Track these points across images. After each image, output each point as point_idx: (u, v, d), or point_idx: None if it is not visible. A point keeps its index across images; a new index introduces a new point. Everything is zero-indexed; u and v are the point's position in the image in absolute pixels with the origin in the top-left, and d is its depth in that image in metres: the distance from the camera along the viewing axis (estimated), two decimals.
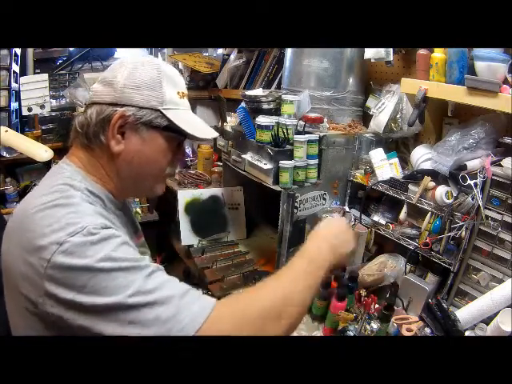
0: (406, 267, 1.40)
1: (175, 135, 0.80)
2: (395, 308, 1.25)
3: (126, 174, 0.79)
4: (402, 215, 1.40)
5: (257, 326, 0.63)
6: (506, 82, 1.12)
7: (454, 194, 1.24)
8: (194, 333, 0.58)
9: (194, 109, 2.89)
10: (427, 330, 1.23)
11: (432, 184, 1.30)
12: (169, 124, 0.77)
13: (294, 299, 0.68)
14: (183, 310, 0.59)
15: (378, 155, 1.49)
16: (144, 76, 0.76)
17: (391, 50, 1.50)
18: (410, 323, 1.24)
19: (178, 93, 0.81)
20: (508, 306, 1.09)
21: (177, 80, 0.81)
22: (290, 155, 1.46)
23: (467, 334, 1.17)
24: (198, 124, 0.85)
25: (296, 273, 0.74)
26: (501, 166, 1.15)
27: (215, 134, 0.89)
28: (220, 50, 2.88)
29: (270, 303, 0.66)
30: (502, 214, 1.15)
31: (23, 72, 2.56)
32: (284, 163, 1.43)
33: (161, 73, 0.77)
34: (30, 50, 2.61)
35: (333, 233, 0.86)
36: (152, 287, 0.59)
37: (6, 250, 0.67)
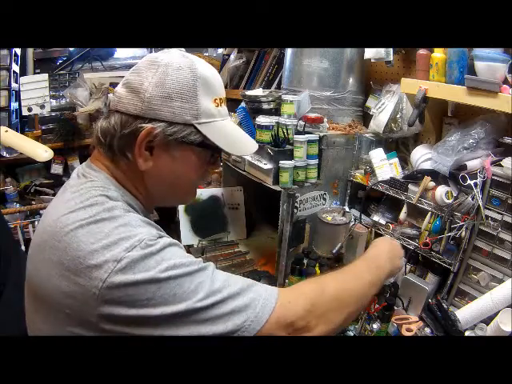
0: (406, 267, 1.39)
1: (210, 151, 0.73)
2: (395, 308, 1.25)
3: (156, 189, 0.74)
4: (402, 215, 1.40)
5: (323, 311, 0.66)
6: (506, 81, 1.12)
7: (454, 194, 1.24)
8: (268, 316, 0.60)
9: None
10: (427, 330, 1.23)
11: (432, 184, 1.30)
12: (203, 139, 0.69)
13: (357, 291, 0.74)
14: (254, 297, 0.61)
15: (378, 155, 1.49)
16: (177, 84, 0.66)
17: (391, 50, 1.50)
18: (410, 323, 1.24)
19: (215, 100, 0.72)
20: (508, 306, 1.09)
21: (214, 84, 0.72)
22: (290, 155, 1.46)
23: (467, 334, 1.17)
24: (236, 137, 0.77)
25: (359, 269, 0.81)
26: (501, 165, 1.15)
27: (254, 148, 0.80)
28: (220, 50, 2.88)
29: (335, 292, 0.70)
30: (502, 214, 1.15)
31: (23, 72, 2.55)
32: (284, 163, 1.43)
33: (197, 79, 0.68)
34: (30, 50, 2.61)
35: (390, 247, 0.94)
36: (220, 285, 0.60)
37: (35, 266, 0.63)
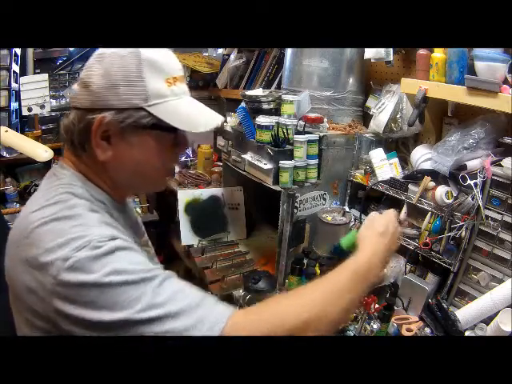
0: (405, 267, 1.40)
1: (166, 131, 0.71)
2: (395, 308, 1.25)
3: (121, 178, 0.74)
4: (402, 215, 1.40)
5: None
6: (506, 81, 1.12)
7: (454, 194, 1.24)
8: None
9: None
10: (427, 330, 1.23)
11: (432, 184, 1.30)
12: (156, 121, 0.69)
13: (325, 318, 0.64)
14: (201, 319, 0.57)
15: (378, 155, 1.49)
16: (121, 70, 0.67)
17: (391, 50, 1.50)
18: (410, 323, 1.24)
19: (168, 80, 0.70)
20: (508, 306, 1.09)
21: (165, 64, 0.71)
22: (290, 155, 1.46)
23: (467, 334, 1.17)
24: (192, 114, 0.74)
25: (335, 286, 0.69)
26: (501, 165, 1.15)
27: (213, 123, 0.75)
28: (220, 50, 2.88)
29: (298, 324, 0.61)
30: (502, 214, 1.15)
31: (23, 72, 2.55)
32: (284, 163, 1.43)
33: (142, 62, 0.67)
34: (30, 50, 2.61)
35: (383, 236, 0.84)
36: (163, 299, 0.57)
37: (9, 262, 0.65)
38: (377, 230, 0.85)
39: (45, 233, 0.60)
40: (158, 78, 0.69)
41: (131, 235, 0.76)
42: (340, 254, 0.94)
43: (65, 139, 0.72)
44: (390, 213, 0.92)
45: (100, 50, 0.70)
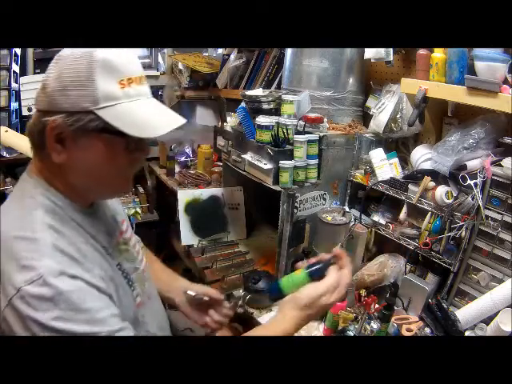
0: (405, 267, 1.39)
1: (117, 135, 0.68)
2: (395, 308, 1.25)
3: (78, 182, 0.72)
4: (402, 215, 1.40)
5: None
6: (506, 81, 1.12)
7: (454, 194, 1.24)
8: None
9: (193, 109, 2.90)
10: (427, 330, 1.23)
11: (432, 184, 1.30)
12: (105, 125, 0.66)
13: None
14: None
15: (378, 155, 1.49)
16: (72, 73, 0.65)
17: (391, 49, 1.50)
18: (410, 323, 1.24)
19: (121, 81, 0.68)
20: (508, 306, 1.09)
21: (119, 65, 0.67)
22: (290, 155, 1.46)
23: (467, 334, 1.17)
24: (145, 117, 0.70)
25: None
26: (501, 165, 1.15)
27: (166, 128, 0.70)
28: (220, 50, 2.88)
29: None
30: (502, 214, 1.15)
31: (23, 72, 2.55)
32: (284, 163, 1.43)
33: (94, 63, 0.65)
34: (30, 50, 2.61)
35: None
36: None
37: None
38: (301, 303, 0.79)
39: (3, 250, 0.63)
40: (109, 80, 0.67)
41: (102, 238, 0.77)
42: (277, 295, 0.85)
43: (30, 143, 0.73)
44: (337, 281, 0.82)
45: (61, 51, 0.69)
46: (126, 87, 0.68)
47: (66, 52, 0.68)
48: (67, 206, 0.72)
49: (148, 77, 0.76)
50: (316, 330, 1.32)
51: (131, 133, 0.67)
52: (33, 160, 0.75)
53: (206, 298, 1.03)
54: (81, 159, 0.70)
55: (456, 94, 1.22)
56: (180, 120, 0.73)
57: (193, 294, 1.03)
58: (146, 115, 0.71)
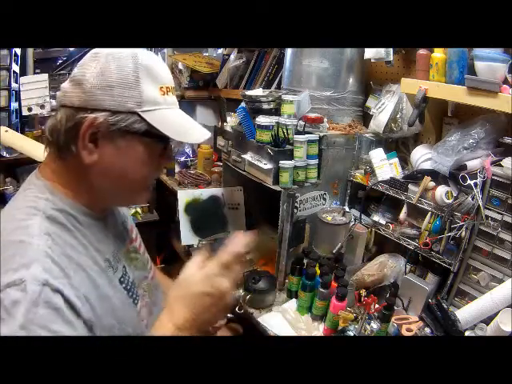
0: (406, 267, 1.40)
1: (157, 140, 0.69)
2: (395, 308, 1.25)
3: (103, 185, 0.70)
4: (402, 215, 1.40)
5: None
6: (506, 81, 1.12)
7: (454, 194, 1.24)
8: None
9: (193, 109, 2.90)
10: (427, 330, 1.23)
11: (432, 184, 1.30)
12: (149, 128, 0.67)
13: None
14: None
15: (378, 155, 1.49)
16: (118, 72, 0.65)
17: (391, 49, 1.50)
18: (410, 323, 1.24)
19: (161, 88, 0.69)
20: (508, 306, 1.09)
21: (159, 72, 0.69)
22: (290, 155, 1.46)
23: (467, 334, 1.17)
24: (184, 125, 0.73)
25: None
26: (501, 165, 1.15)
27: (204, 136, 0.74)
28: (220, 50, 2.88)
29: None
30: (502, 214, 1.15)
31: (23, 72, 2.56)
32: (284, 163, 1.43)
33: (138, 66, 0.66)
34: (30, 50, 2.61)
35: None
36: None
37: None
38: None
39: None
40: (153, 85, 0.68)
41: (106, 248, 0.73)
42: None
43: (48, 142, 0.70)
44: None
45: (96, 49, 0.68)
46: (166, 95, 0.70)
47: (103, 50, 0.67)
48: (76, 211, 0.69)
49: None
50: (316, 330, 1.32)
51: (178, 138, 0.69)
52: (46, 161, 0.72)
53: None
54: (113, 161, 0.68)
55: (456, 94, 1.22)
56: (208, 132, 0.76)
57: None
58: (182, 123, 0.73)
